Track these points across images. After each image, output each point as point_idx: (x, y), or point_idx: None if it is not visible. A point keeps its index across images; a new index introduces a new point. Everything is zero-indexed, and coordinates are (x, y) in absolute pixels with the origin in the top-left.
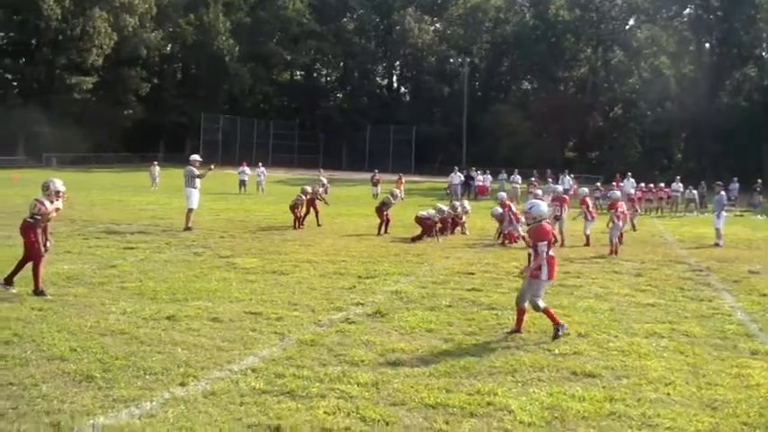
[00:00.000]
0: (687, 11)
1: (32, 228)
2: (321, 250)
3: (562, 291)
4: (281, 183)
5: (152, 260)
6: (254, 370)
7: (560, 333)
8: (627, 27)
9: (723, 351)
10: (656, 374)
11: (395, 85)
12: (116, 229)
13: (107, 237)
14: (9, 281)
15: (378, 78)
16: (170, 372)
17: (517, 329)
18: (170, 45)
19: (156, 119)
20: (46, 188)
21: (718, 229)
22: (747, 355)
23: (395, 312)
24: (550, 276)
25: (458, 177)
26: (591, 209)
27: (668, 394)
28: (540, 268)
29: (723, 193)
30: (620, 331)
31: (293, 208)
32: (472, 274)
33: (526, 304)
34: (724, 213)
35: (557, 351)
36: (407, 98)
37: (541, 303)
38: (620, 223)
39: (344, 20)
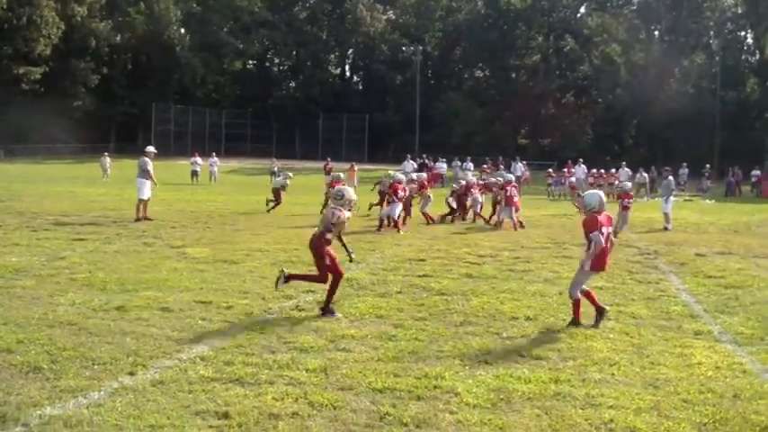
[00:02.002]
0: None
1: (327, 243)
2: (272, 239)
3: (512, 276)
4: (234, 172)
5: (102, 251)
6: (203, 358)
7: (573, 325)
8: (578, 15)
9: (668, 332)
10: (601, 355)
11: (347, 73)
12: (66, 221)
13: (56, 228)
14: (326, 309)
15: (330, 67)
16: (119, 361)
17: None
18: (120, 35)
19: (107, 109)
20: (340, 197)
21: (666, 214)
22: (691, 335)
23: (345, 299)
24: (593, 268)
25: (410, 165)
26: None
27: (612, 374)
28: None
29: (671, 178)
30: (568, 314)
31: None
32: (423, 260)
33: (579, 293)
34: (672, 198)
35: (504, 335)
36: (360, 87)
37: (575, 293)
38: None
39: (296, 8)
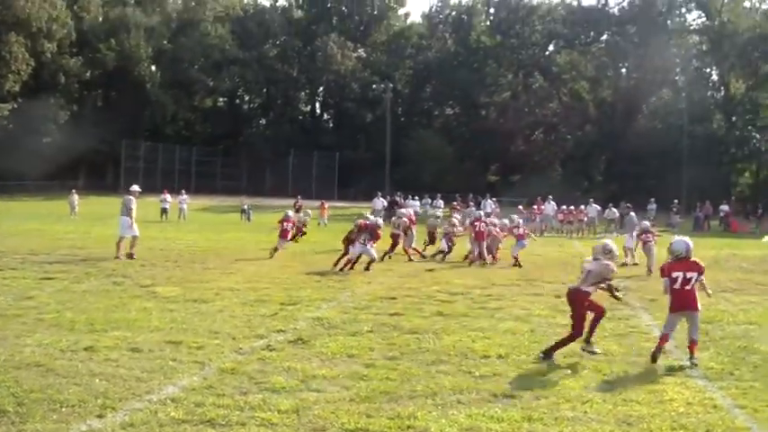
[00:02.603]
0: (604, 37)
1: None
2: (243, 278)
3: (483, 313)
4: (204, 210)
5: (70, 290)
6: (173, 400)
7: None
8: (547, 53)
9: (639, 368)
10: (573, 393)
11: (318, 111)
12: (33, 260)
13: (24, 267)
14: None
15: (301, 105)
16: (87, 404)
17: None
18: (90, 71)
19: (76, 146)
20: (609, 251)
21: (629, 248)
22: (662, 371)
23: (316, 339)
24: (671, 309)
25: (380, 203)
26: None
27: (585, 412)
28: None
29: (633, 214)
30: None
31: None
32: (394, 298)
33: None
34: (635, 233)
35: (477, 374)
36: (331, 124)
37: (663, 330)
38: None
39: (267, 46)
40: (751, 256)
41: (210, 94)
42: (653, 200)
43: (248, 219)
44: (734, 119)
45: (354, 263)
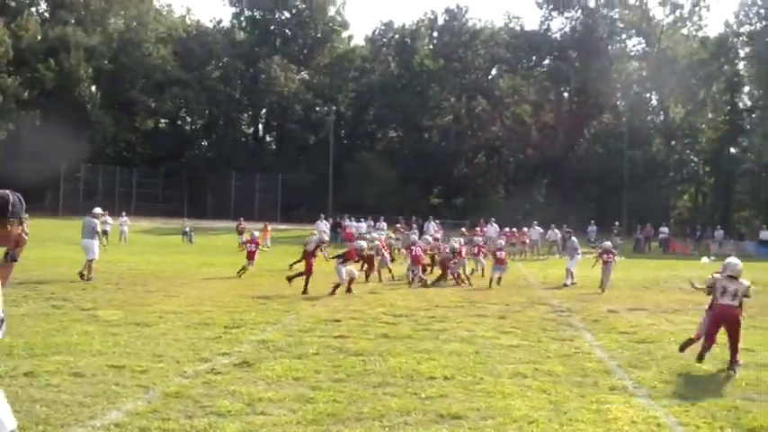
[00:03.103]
0: (546, 61)
1: None
2: (186, 301)
3: (428, 335)
4: (146, 232)
5: (9, 314)
6: (117, 425)
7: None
8: (489, 77)
9: (584, 388)
10: (519, 413)
11: (261, 133)
12: None
13: None
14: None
15: (243, 126)
16: (28, 431)
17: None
18: (28, 91)
19: (14, 168)
20: (741, 270)
21: (569, 270)
22: (606, 391)
23: (261, 362)
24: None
25: (324, 225)
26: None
27: None
28: None
29: (574, 238)
30: (485, 373)
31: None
32: (338, 321)
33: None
34: (578, 257)
35: (423, 395)
36: (273, 146)
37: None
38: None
39: (209, 68)
40: (690, 277)
41: (152, 115)
42: (593, 222)
43: (190, 241)
44: (673, 143)
45: (349, 284)
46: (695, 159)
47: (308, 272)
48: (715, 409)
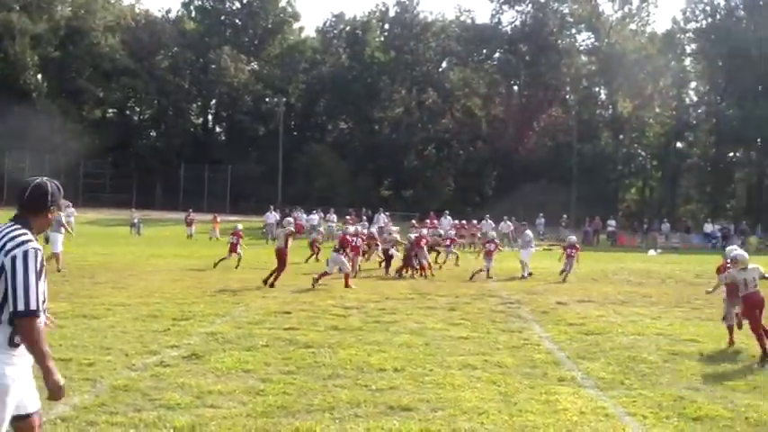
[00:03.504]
0: (497, 55)
1: None
2: (134, 293)
3: (378, 327)
4: (93, 223)
5: None
6: (64, 419)
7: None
8: (440, 69)
9: (533, 379)
10: (469, 405)
11: (210, 123)
12: None
13: None
14: None
15: (193, 117)
16: None
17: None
18: None
19: None
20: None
21: (523, 262)
22: (555, 382)
23: (211, 354)
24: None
25: (273, 216)
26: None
27: (482, 423)
28: None
29: (528, 231)
30: (435, 365)
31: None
32: (289, 313)
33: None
34: (532, 249)
35: (374, 387)
36: (223, 137)
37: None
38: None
39: (159, 57)
40: (637, 269)
41: (100, 104)
42: (542, 215)
43: (138, 232)
44: (621, 137)
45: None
46: (643, 153)
47: (280, 266)
48: (661, 398)
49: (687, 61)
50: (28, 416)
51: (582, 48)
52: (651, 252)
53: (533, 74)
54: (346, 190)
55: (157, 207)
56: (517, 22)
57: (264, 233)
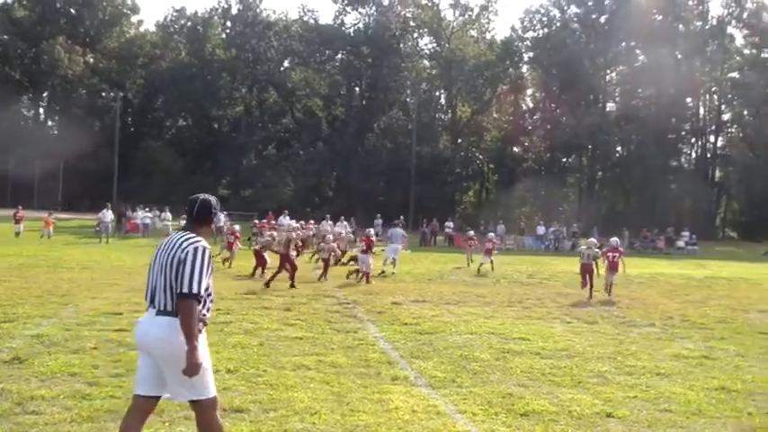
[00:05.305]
0: (339, 56)
1: None
2: None
3: (212, 328)
4: None
5: None
6: None
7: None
8: (282, 69)
9: (367, 379)
10: (302, 405)
11: (42, 116)
12: None
13: None
14: None
15: (23, 109)
16: None
17: None
18: None
19: None
20: (595, 244)
21: (391, 259)
22: (389, 381)
23: (35, 357)
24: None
25: (109, 214)
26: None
27: (314, 423)
28: None
29: (398, 229)
30: (269, 365)
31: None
32: (120, 314)
33: None
34: (398, 246)
35: None
36: (56, 131)
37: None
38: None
39: None
40: (473, 270)
41: None
42: (379, 215)
43: None
44: (459, 140)
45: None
46: (480, 157)
47: (292, 269)
48: (491, 395)
49: (524, 69)
50: (155, 398)
51: (424, 52)
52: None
53: (375, 76)
54: (183, 188)
55: None
56: (360, 25)
57: (98, 231)
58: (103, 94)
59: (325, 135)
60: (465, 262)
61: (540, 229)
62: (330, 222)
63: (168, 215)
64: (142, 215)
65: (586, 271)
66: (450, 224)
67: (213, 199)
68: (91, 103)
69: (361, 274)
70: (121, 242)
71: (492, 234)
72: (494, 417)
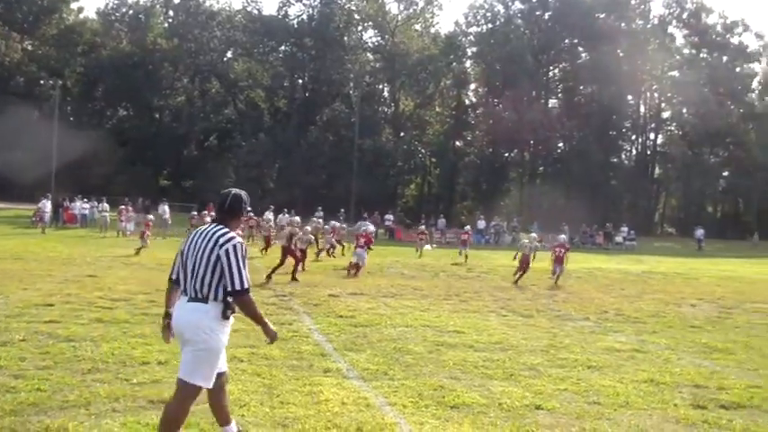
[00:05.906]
0: (282, 48)
1: None
2: None
3: (145, 320)
4: None
5: None
6: None
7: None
8: (224, 59)
9: (298, 371)
10: (231, 397)
11: None
12: None
13: None
14: None
15: None
16: None
17: None
18: None
19: None
20: (536, 238)
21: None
22: (320, 373)
23: None
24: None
25: (49, 204)
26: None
27: (243, 416)
28: None
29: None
30: None
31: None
32: (51, 305)
33: None
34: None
35: (134, 381)
36: None
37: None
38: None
39: None
40: (412, 263)
41: None
42: (320, 208)
43: None
44: (402, 134)
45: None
46: (423, 151)
47: (296, 260)
48: (423, 388)
49: (468, 63)
50: (222, 373)
51: (367, 45)
52: (427, 247)
53: (318, 68)
54: (123, 178)
55: None
56: (304, 16)
57: (34, 222)
58: (42, 82)
59: (268, 127)
60: (406, 255)
61: (481, 223)
62: (271, 215)
63: (106, 206)
64: (80, 206)
65: (524, 262)
66: (391, 217)
67: (244, 194)
68: (28, 90)
69: (354, 271)
70: (59, 233)
71: (468, 227)
72: (423, 409)
